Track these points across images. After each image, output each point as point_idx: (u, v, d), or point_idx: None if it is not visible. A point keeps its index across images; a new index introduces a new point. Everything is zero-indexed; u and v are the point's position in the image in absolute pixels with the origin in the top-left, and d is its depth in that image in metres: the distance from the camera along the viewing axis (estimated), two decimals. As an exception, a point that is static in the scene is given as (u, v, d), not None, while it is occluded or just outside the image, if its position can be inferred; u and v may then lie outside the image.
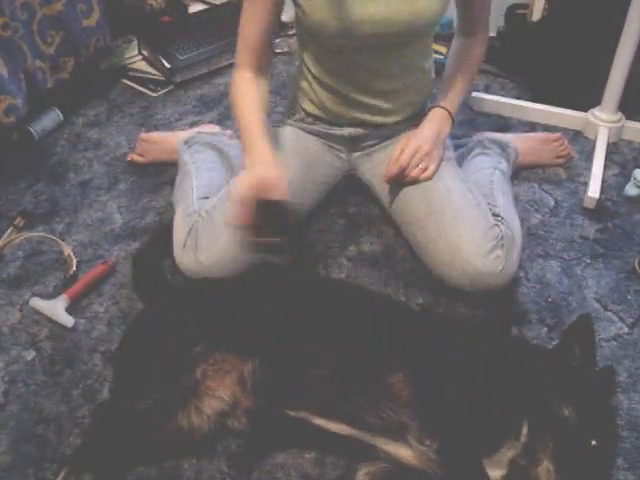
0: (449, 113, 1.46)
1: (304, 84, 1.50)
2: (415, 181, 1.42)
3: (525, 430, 1.00)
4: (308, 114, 1.52)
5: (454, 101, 1.48)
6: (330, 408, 1.07)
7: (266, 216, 1.18)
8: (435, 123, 1.45)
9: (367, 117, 1.49)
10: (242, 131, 1.33)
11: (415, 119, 1.49)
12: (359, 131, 1.51)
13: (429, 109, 1.49)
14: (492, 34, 2.18)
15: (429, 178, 1.41)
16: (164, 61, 2.16)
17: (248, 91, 1.37)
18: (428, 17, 1.32)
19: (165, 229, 1.49)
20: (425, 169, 1.41)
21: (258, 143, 1.29)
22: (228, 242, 1.36)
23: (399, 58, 1.40)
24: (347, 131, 1.51)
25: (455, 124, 1.49)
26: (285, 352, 1.12)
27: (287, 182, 1.23)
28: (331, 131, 1.52)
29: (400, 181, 1.44)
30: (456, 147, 1.60)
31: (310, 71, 1.46)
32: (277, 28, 1.39)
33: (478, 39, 1.49)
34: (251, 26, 1.36)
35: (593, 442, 0.99)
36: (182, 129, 1.90)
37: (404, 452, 1.04)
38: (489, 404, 1.02)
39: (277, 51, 2.25)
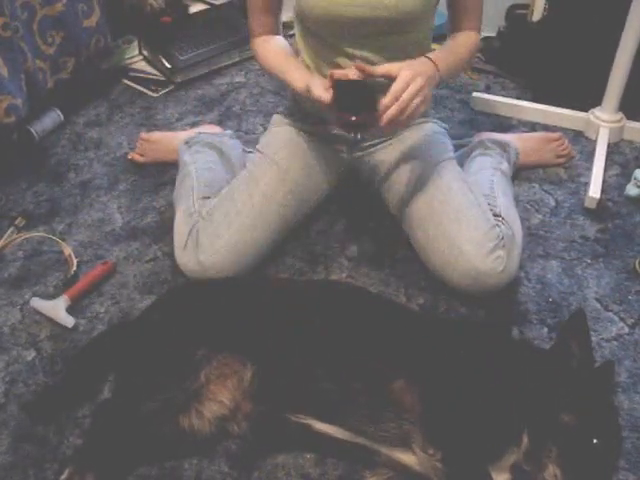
0: (435, 65, 1.29)
1: None
2: (412, 127, 1.45)
3: (525, 437, 1.00)
4: (308, 114, 1.52)
5: (444, 59, 1.33)
6: (332, 416, 1.07)
7: (348, 96, 1.24)
8: (422, 61, 1.30)
9: None
10: (277, 70, 1.42)
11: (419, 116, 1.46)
12: None
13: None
14: (492, 34, 2.19)
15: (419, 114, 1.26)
16: (165, 61, 2.16)
17: (271, 46, 1.45)
18: (414, 2, 1.30)
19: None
20: (421, 103, 1.23)
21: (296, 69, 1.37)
22: (229, 242, 1.36)
23: (392, 49, 1.37)
24: None
25: (441, 82, 1.33)
26: (285, 357, 1.11)
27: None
28: (332, 131, 1.52)
29: (397, 124, 1.24)
30: (457, 147, 1.60)
31: (309, 68, 1.46)
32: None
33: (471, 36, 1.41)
34: None
35: (595, 441, 0.98)
36: (183, 129, 1.90)
37: (408, 458, 1.04)
38: (492, 409, 1.01)
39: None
